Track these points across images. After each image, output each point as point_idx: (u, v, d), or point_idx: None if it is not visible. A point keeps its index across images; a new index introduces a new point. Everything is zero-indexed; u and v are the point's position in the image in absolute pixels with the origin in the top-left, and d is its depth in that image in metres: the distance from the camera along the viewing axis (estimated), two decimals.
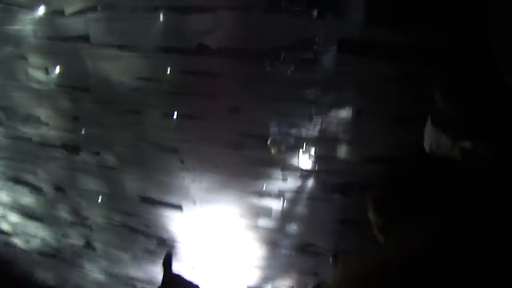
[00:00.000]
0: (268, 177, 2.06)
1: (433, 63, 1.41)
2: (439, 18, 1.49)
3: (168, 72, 2.06)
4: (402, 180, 1.19)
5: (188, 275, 2.34)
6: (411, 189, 1.10)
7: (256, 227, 2.20)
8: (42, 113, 2.49)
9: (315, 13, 1.78)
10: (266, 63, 1.92)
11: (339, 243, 2.05)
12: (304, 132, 1.97)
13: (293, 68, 1.90)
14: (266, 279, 2.34)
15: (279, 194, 2.07)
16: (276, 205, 2.11)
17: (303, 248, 2.17)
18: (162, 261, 2.40)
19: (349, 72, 1.83)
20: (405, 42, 1.64)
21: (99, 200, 2.58)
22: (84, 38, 2.16)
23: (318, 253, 2.12)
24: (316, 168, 2.00)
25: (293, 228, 2.15)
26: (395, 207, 1.11)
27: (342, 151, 1.98)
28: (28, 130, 2.59)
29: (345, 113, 1.92)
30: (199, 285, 2.14)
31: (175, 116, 2.13)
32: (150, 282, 2.75)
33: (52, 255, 3.07)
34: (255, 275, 2.35)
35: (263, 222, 2.17)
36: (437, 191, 1.03)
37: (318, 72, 1.91)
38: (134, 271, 2.76)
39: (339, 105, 1.93)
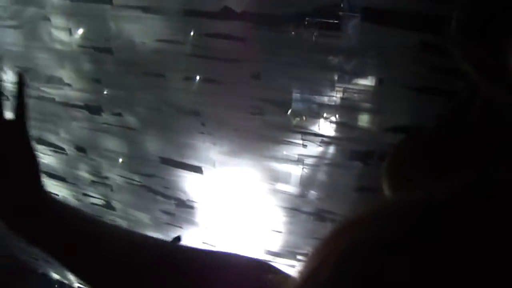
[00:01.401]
0: (288, 142, 2.07)
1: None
2: None
3: (191, 35, 2.06)
4: (419, 146, 1.18)
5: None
6: (428, 157, 1.10)
7: (274, 192, 2.22)
8: (65, 74, 2.51)
9: None
10: (290, 29, 1.91)
11: (356, 210, 2.06)
12: (325, 99, 1.97)
13: (317, 34, 1.89)
14: (283, 243, 2.38)
15: (299, 160, 2.08)
16: (295, 170, 2.12)
17: (321, 214, 2.19)
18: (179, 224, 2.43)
19: (372, 40, 1.82)
20: (431, 12, 1.62)
21: (120, 161, 2.61)
22: (107, 0, 2.16)
23: (335, 220, 2.14)
24: (337, 135, 2.01)
25: (311, 194, 2.17)
26: (410, 176, 1.10)
27: (363, 119, 1.98)
28: (50, 91, 2.62)
29: (367, 81, 1.92)
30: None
31: (196, 80, 2.14)
32: None
33: None
34: (273, 239, 2.38)
35: (282, 187, 2.19)
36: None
37: (341, 39, 1.90)
38: (153, 232, 2.81)
39: (362, 73, 1.92)
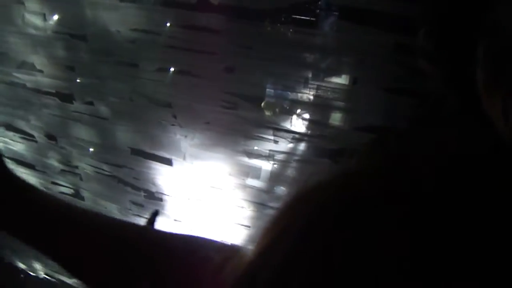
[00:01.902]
0: (259, 137, 2.07)
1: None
2: None
3: (167, 25, 2.05)
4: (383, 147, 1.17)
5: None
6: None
7: (244, 186, 2.22)
8: (37, 59, 2.46)
9: None
10: (267, 23, 1.91)
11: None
12: (299, 95, 1.97)
13: (293, 30, 1.89)
14: (250, 237, 2.37)
15: (269, 155, 2.08)
16: (265, 165, 2.12)
17: None
18: (148, 217, 2.41)
19: (348, 39, 1.83)
20: (406, 14, 1.63)
21: (90, 150, 2.58)
22: None
23: None
24: (308, 132, 2.01)
25: (280, 189, 2.17)
26: None
27: (335, 117, 1.99)
28: (22, 76, 2.56)
29: (341, 80, 1.93)
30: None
31: (170, 71, 2.12)
32: None
33: None
34: (240, 233, 2.38)
35: (252, 181, 2.19)
36: None
37: (317, 36, 1.91)
38: None
39: (336, 72, 1.93)
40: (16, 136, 2.84)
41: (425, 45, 0.91)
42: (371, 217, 0.34)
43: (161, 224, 2.60)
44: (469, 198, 0.35)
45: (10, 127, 2.84)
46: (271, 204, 2.22)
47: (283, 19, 1.91)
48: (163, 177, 2.42)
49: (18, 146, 2.88)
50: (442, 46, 0.84)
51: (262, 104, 2.01)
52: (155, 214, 2.11)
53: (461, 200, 0.35)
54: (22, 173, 2.99)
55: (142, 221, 2.68)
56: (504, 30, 0.65)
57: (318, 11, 1.91)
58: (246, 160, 2.14)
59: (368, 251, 0.33)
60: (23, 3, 2.34)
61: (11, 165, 2.97)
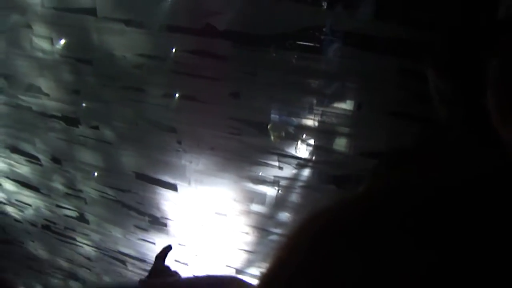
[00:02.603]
0: (264, 163, 2.06)
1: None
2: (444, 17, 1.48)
3: (173, 51, 2.06)
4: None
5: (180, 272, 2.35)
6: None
7: (248, 212, 2.21)
8: (44, 83, 2.48)
9: (324, 3, 1.78)
10: (272, 49, 1.91)
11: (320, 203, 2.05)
12: (303, 121, 1.97)
13: (297, 56, 1.90)
14: (254, 263, 2.35)
15: (274, 181, 2.07)
16: (270, 191, 2.11)
17: None
18: (158, 252, 2.39)
19: (352, 65, 1.83)
20: (410, 39, 1.64)
21: (95, 174, 2.58)
22: (91, 11, 2.15)
23: None
24: (313, 158, 2.00)
25: (284, 215, 2.16)
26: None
27: (340, 143, 1.98)
28: (28, 99, 2.58)
29: (346, 105, 1.92)
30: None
31: (175, 96, 2.13)
32: (140, 259, 2.76)
33: (45, 225, 3.08)
34: (244, 259, 2.36)
35: (256, 207, 2.18)
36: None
37: (322, 62, 1.91)
38: (125, 247, 2.78)
39: (341, 97, 1.93)
40: (22, 159, 2.85)
41: (436, 83, 0.91)
42: (375, 236, 0.34)
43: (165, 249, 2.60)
44: (474, 220, 0.34)
45: (15, 150, 2.86)
46: (275, 230, 2.20)
47: (287, 45, 1.91)
48: (168, 202, 2.41)
49: (23, 168, 2.89)
50: (451, 81, 0.84)
51: (269, 126, 2.00)
52: (168, 249, 2.09)
53: (465, 221, 0.34)
54: (27, 195, 3.00)
55: (145, 246, 2.68)
56: None
57: (322, 37, 1.92)
58: (250, 185, 2.13)
59: (370, 269, 0.33)
60: (31, 27, 2.36)
61: (15, 187, 2.99)
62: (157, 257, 2.10)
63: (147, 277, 2.04)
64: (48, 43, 2.37)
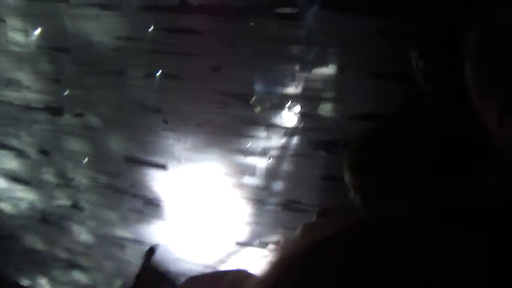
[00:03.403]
0: (252, 135, 2.06)
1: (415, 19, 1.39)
2: None
3: (150, 30, 2.04)
4: (378, 139, 1.18)
5: (166, 272, 2.39)
6: (387, 149, 1.09)
7: (241, 185, 2.22)
8: (23, 76, 2.46)
9: None
10: (249, 20, 1.90)
11: (323, 199, 2.08)
12: (287, 89, 1.97)
13: (276, 24, 1.88)
14: (253, 235, 2.37)
15: (264, 152, 2.08)
16: (260, 163, 2.12)
17: (288, 205, 2.19)
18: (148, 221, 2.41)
19: (332, 28, 1.82)
20: None
21: (84, 161, 2.57)
22: None
23: (303, 209, 2.14)
24: (300, 125, 2.01)
25: (277, 185, 2.17)
26: (370, 169, 1.10)
27: (326, 108, 1.99)
28: (9, 94, 2.56)
29: (328, 70, 1.92)
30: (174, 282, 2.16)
31: (157, 76, 2.11)
32: (137, 241, 2.77)
33: (40, 218, 3.08)
34: (242, 232, 2.38)
35: (248, 180, 2.19)
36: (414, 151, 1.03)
37: (301, 28, 1.90)
38: (122, 231, 2.78)
39: (322, 62, 1.93)
40: (9, 154, 2.83)
41: (420, 65, 0.91)
42: (362, 275, 0.35)
43: (162, 230, 2.62)
44: None
45: (2, 146, 2.83)
46: (271, 200, 2.22)
47: (265, 13, 1.89)
48: (160, 182, 2.41)
49: (12, 163, 2.88)
50: (436, 61, 0.84)
51: (252, 99, 2.00)
52: (152, 250, 2.12)
53: None
54: (19, 190, 2.99)
55: (142, 227, 2.69)
56: (497, 28, 0.64)
57: (300, 2, 1.90)
58: (241, 158, 2.14)
59: None
60: (4, 21, 2.33)
61: (6, 183, 2.97)
62: (143, 260, 2.13)
63: (134, 282, 2.06)
64: (23, 35, 2.34)
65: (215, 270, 2.50)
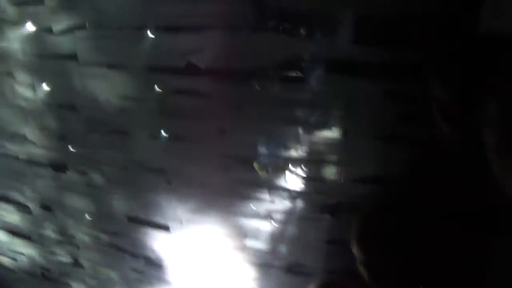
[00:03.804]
0: (255, 198, 2.05)
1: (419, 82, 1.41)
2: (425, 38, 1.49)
3: (156, 91, 2.06)
4: (384, 211, 1.16)
5: None
6: (393, 221, 1.07)
7: (244, 248, 2.18)
8: (29, 131, 2.47)
9: (303, 32, 1.79)
10: (254, 83, 1.92)
11: (327, 263, 2.04)
12: (291, 152, 1.96)
13: (280, 87, 1.90)
14: None
15: (267, 215, 2.06)
16: (263, 226, 2.09)
17: (292, 268, 2.16)
18: (149, 281, 2.38)
19: (336, 91, 1.84)
20: (392, 61, 1.65)
21: (86, 219, 2.56)
22: (72, 56, 2.15)
23: (307, 273, 2.11)
24: (304, 189, 1.99)
25: (281, 248, 2.14)
26: (376, 243, 1.08)
27: (330, 171, 1.98)
28: (14, 148, 2.57)
29: (332, 133, 1.92)
30: None
31: (161, 137, 2.12)
32: None
33: (40, 274, 3.04)
34: None
35: (251, 243, 2.16)
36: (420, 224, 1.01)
37: (305, 91, 1.91)
38: None
39: (326, 125, 1.93)
40: (11, 208, 2.82)
41: (438, 94, 0.90)
42: None
43: None
44: None
45: (4, 199, 2.83)
46: (275, 264, 2.18)
47: (270, 77, 1.91)
48: (162, 243, 2.39)
49: (13, 217, 2.86)
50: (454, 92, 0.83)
51: (254, 163, 2.00)
52: None
53: None
54: (19, 245, 2.96)
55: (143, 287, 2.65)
56: None
57: (304, 65, 1.92)
58: (244, 221, 2.11)
59: None
60: (13, 75, 2.36)
61: (6, 236, 2.95)
62: None
63: None
64: (30, 91, 2.37)
65: None
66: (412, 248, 0.98)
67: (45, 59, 2.25)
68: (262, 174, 2.01)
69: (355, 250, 1.14)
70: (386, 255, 1.05)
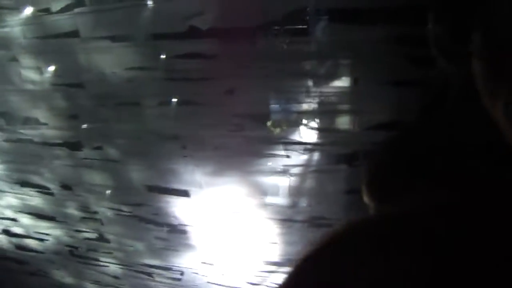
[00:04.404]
0: (271, 155, 2.05)
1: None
2: None
3: (161, 58, 2.05)
4: (396, 158, 1.13)
5: None
6: (406, 170, 1.05)
7: (265, 205, 2.20)
8: (40, 113, 2.48)
9: None
10: (259, 40, 1.90)
11: (347, 213, 2.05)
12: (303, 106, 1.96)
13: (287, 41, 1.88)
14: (281, 254, 2.36)
15: (284, 171, 2.07)
16: (282, 181, 2.10)
17: (314, 221, 2.17)
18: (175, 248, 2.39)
19: (342, 40, 1.82)
20: (395, 6, 1.62)
21: (107, 194, 2.59)
22: (74, 33, 2.14)
23: (329, 224, 2.12)
24: (319, 140, 1.99)
25: (301, 203, 2.15)
26: (388, 190, 1.05)
27: (343, 121, 1.97)
28: (28, 132, 2.59)
29: (342, 82, 1.91)
30: None
31: (172, 103, 2.12)
32: (165, 268, 2.77)
33: (67, 252, 3.10)
34: (270, 251, 2.36)
35: (271, 199, 2.17)
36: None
37: (311, 43, 1.90)
38: (149, 260, 2.79)
39: (336, 75, 1.92)
40: (32, 191, 2.86)
41: (435, 30, 0.88)
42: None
43: (190, 256, 2.61)
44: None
45: (25, 183, 2.87)
46: (296, 218, 2.20)
47: (274, 32, 1.89)
48: (183, 208, 2.41)
49: (35, 200, 2.90)
50: (452, 30, 0.81)
51: (268, 123, 2.00)
52: None
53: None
54: (44, 226, 3.01)
55: (169, 255, 2.69)
56: (498, 25, 0.63)
57: (307, 17, 1.90)
58: (262, 179, 2.13)
59: None
60: (17, 60, 2.35)
61: (31, 220, 3.00)
62: None
63: None
64: (37, 73, 2.36)
65: None
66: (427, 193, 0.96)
67: (48, 40, 2.24)
68: (276, 131, 2.01)
69: (366, 199, 1.11)
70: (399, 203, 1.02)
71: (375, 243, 0.37)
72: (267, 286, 2.52)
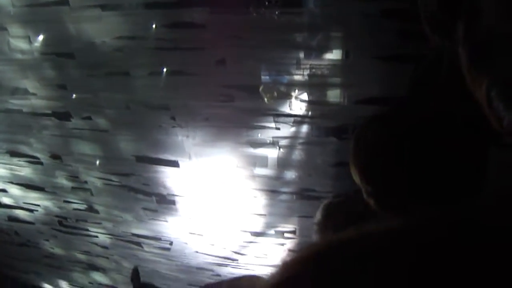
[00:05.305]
0: (261, 126, 2.05)
1: None
2: None
3: (153, 27, 2.02)
4: (387, 139, 1.11)
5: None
6: (397, 151, 1.04)
7: (253, 176, 2.21)
8: (29, 83, 2.45)
9: None
10: (251, 10, 1.88)
11: (336, 186, 2.06)
12: (294, 78, 1.95)
13: (278, 13, 1.87)
14: (268, 225, 2.38)
15: (274, 142, 2.07)
16: (271, 153, 2.11)
17: (302, 193, 2.19)
18: (132, 271, 2.36)
19: (334, 13, 1.81)
20: None
21: (96, 164, 2.58)
22: (64, 2, 2.11)
23: (317, 197, 2.13)
24: (309, 113, 2.00)
25: (290, 174, 2.17)
26: (384, 174, 1.05)
27: (333, 94, 1.97)
28: (17, 102, 2.57)
29: (333, 55, 1.91)
30: None
31: (162, 73, 2.10)
32: (155, 238, 2.79)
33: (57, 222, 3.10)
34: (258, 222, 2.38)
35: (260, 171, 2.18)
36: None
37: (303, 15, 1.89)
38: (138, 230, 2.80)
39: (327, 48, 1.91)
40: (22, 161, 2.85)
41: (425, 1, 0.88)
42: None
43: (178, 226, 2.62)
44: None
45: (14, 153, 2.85)
46: (284, 190, 2.22)
47: (266, 3, 1.88)
48: (172, 179, 2.42)
49: (25, 170, 2.89)
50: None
51: (260, 88, 1.99)
52: (136, 271, 2.16)
53: None
54: (34, 197, 3.01)
55: (158, 224, 2.70)
56: (482, 13, 0.63)
57: None
58: (251, 150, 2.13)
59: None
60: (6, 29, 2.32)
61: (21, 190, 2.99)
62: (132, 280, 2.18)
63: None
64: (26, 43, 2.33)
65: (228, 278, 2.51)
66: (418, 169, 0.97)
67: (37, 8, 2.21)
68: (268, 99, 2.01)
69: (357, 180, 1.10)
70: (391, 182, 1.02)
71: (356, 263, 0.38)
72: (255, 256, 2.55)
